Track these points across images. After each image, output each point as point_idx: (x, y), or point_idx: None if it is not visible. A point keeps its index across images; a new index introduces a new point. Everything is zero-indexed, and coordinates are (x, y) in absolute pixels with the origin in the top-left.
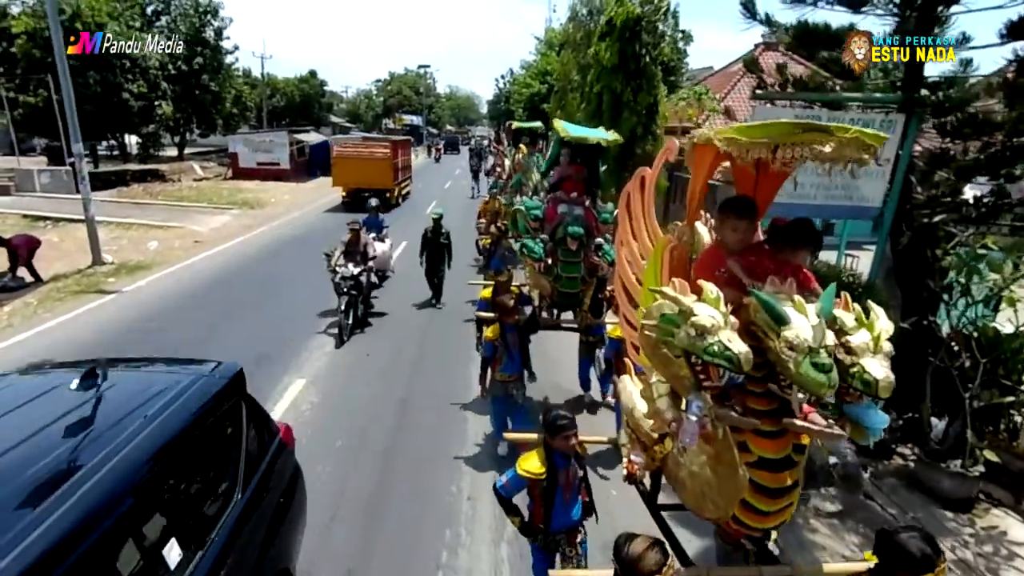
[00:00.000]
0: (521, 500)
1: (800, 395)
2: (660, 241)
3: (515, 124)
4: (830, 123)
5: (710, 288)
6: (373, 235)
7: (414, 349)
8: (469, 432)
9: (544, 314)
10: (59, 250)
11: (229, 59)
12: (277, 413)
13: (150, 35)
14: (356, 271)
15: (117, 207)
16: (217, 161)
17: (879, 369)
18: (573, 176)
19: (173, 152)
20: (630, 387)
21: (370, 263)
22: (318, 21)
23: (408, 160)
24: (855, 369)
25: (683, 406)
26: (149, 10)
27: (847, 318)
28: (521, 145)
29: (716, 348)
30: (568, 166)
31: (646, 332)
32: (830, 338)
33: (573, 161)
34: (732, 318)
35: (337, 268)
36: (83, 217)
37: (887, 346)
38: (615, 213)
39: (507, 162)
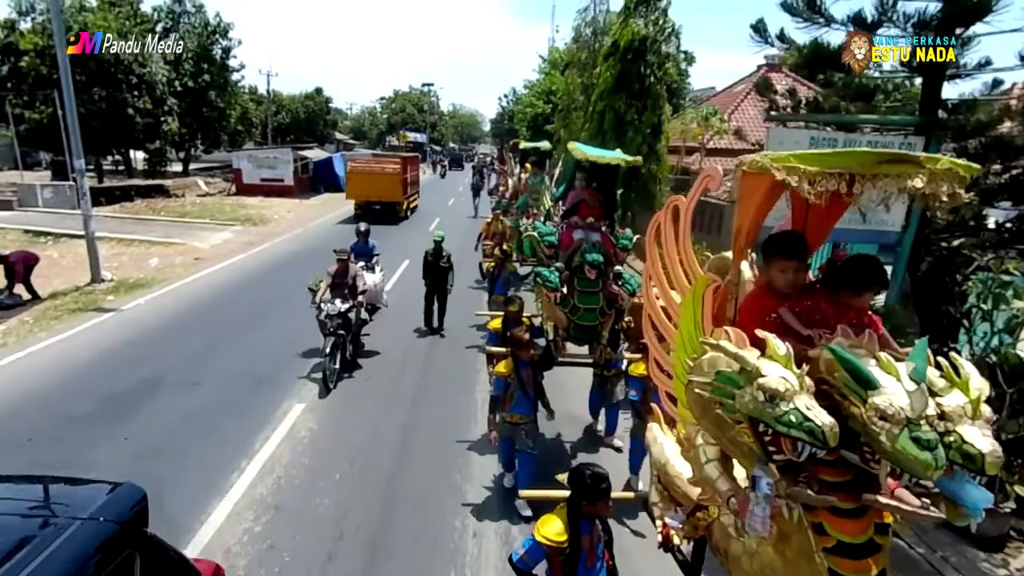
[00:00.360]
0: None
1: (887, 468)
2: (699, 280)
3: (521, 144)
4: (918, 153)
5: (776, 343)
6: (362, 264)
7: (415, 378)
8: (474, 463)
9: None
10: (59, 266)
11: (235, 76)
12: (275, 439)
13: (150, 37)
14: (344, 307)
15: (119, 223)
16: (222, 177)
17: (983, 440)
18: (589, 200)
19: (178, 168)
20: (661, 438)
21: (360, 297)
22: (324, 39)
23: (417, 175)
24: (952, 439)
25: (747, 482)
26: (159, 27)
27: (934, 375)
28: (527, 165)
29: (793, 418)
30: (584, 190)
31: (696, 390)
32: (931, 407)
33: (589, 184)
34: (808, 380)
35: (323, 304)
36: (84, 233)
37: (987, 410)
38: (634, 239)
39: (511, 181)
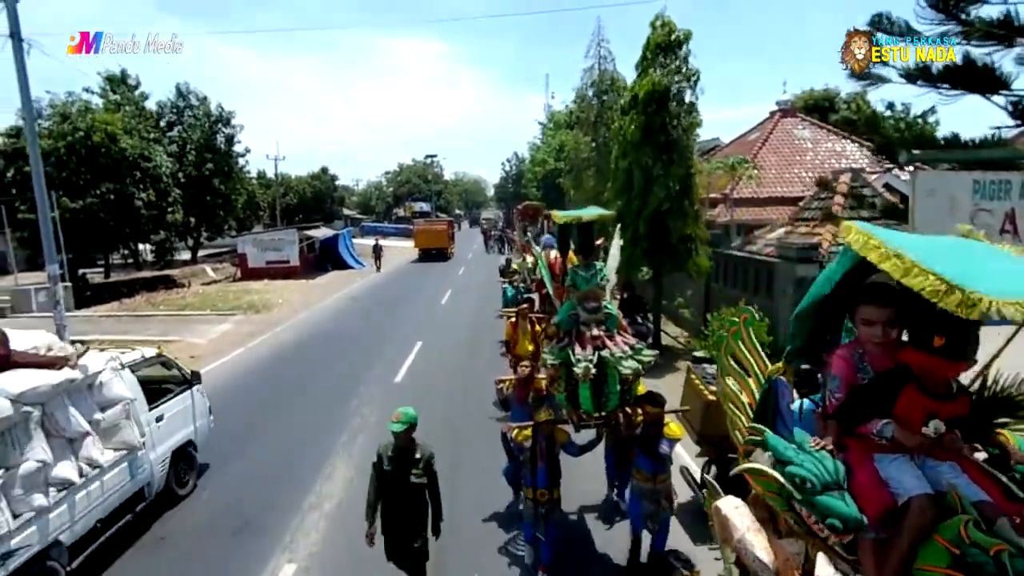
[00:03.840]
0: None
1: None
2: None
3: (558, 216)
4: None
5: None
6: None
7: None
8: None
9: None
10: None
11: (240, 162)
12: None
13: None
14: None
15: (115, 322)
16: (230, 261)
17: None
18: (929, 375)
19: (187, 255)
20: None
21: None
22: (328, 120)
23: (454, 232)
24: None
25: None
26: (163, 122)
27: None
28: (570, 253)
29: None
30: (900, 350)
31: None
32: None
33: (921, 337)
34: None
35: None
36: (77, 338)
37: None
38: None
39: (529, 258)
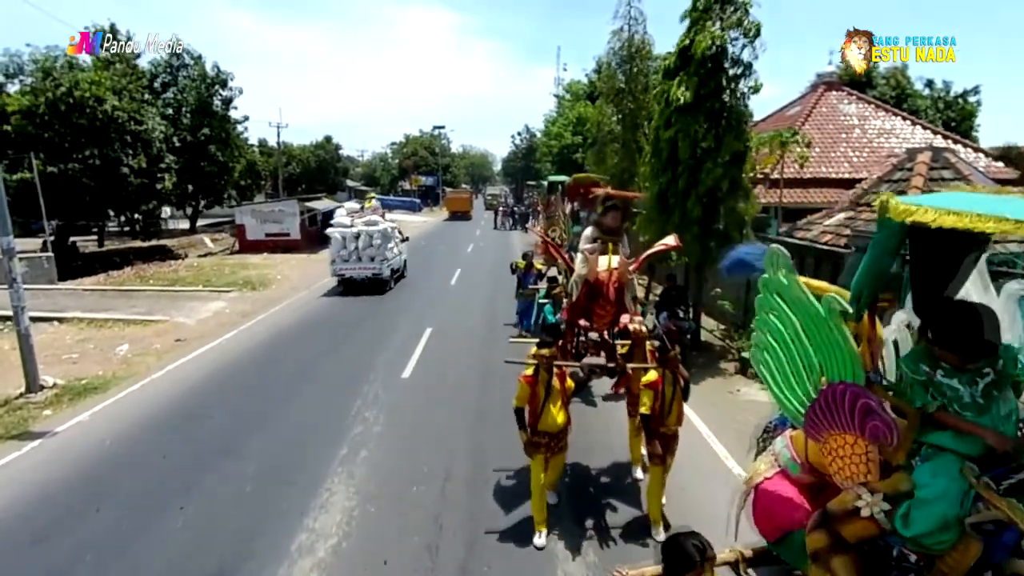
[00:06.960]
0: None
1: None
2: None
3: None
4: None
5: None
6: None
7: None
8: None
9: None
10: (5, 363)
11: (239, 128)
12: None
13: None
14: None
15: (99, 298)
16: (229, 232)
17: None
18: None
19: (185, 224)
20: None
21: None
22: (334, 89)
23: (473, 199)
24: None
25: None
26: (156, 83)
27: None
28: (879, 326)
29: None
30: None
31: None
32: None
33: None
34: None
35: None
36: (55, 315)
37: None
38: None
39: (603, 263)
